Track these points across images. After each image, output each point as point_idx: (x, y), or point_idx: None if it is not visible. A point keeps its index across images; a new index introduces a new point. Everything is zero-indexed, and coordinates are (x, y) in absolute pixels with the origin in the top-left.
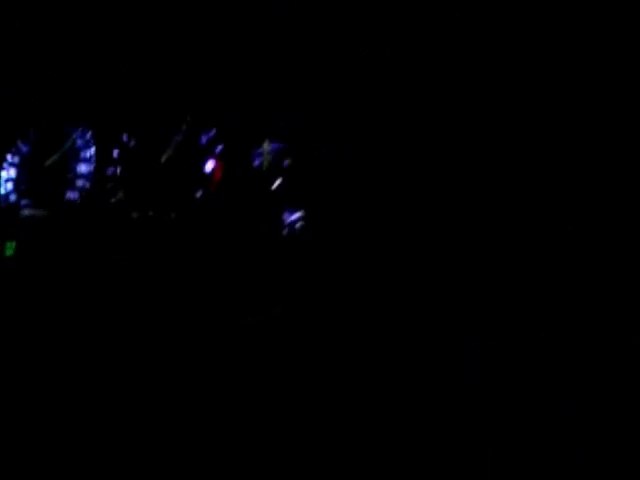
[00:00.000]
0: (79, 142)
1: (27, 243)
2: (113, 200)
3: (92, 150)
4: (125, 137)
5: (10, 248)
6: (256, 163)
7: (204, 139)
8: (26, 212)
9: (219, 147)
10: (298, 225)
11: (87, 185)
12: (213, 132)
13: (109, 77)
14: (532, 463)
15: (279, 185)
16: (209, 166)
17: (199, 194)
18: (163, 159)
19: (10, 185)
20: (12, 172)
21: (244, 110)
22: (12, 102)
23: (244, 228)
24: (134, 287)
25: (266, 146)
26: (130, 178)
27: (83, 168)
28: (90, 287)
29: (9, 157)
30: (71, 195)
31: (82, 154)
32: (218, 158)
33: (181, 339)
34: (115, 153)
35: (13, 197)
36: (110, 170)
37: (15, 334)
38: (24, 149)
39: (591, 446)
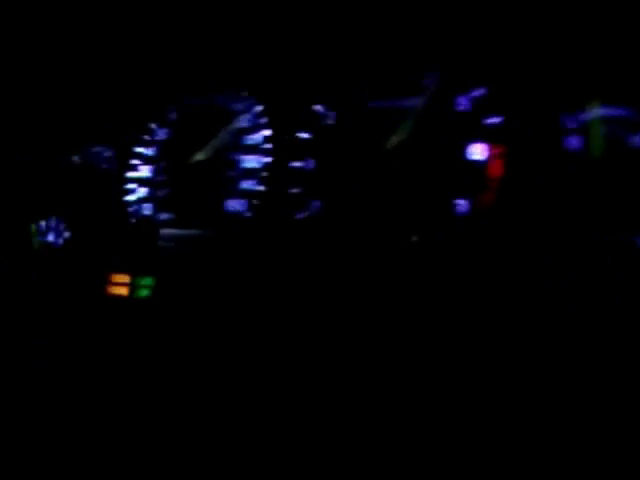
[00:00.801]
0: (244, 120)
1: (170, 280)
2: (303, 214)
3: (263, 133)
4: (318, 108)
5: (146, 287)
6: (572, 144)
7: (464, 103)
8: (168, 232)
9: (494, 119)
10: None
11: (260, 189)
12: (481, 91)
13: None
14: None
15: (626, 184)
16: (478, 153)
17: (462, 205)
18: (389, 144)
19: (143, 190)
20: (145, 170)
21: (537, 48)
22: (142, 61)
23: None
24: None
25: (594, 112)
26: (331, 177)
27: (252, 162)
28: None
29: (140, 148)
30: (235, 205)
31: (248, 140)
32: (494, 140)
33: None
34: (303, 136)
35: (148, 208)
36: (296, 164)
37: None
38: (161, 134)
39: None
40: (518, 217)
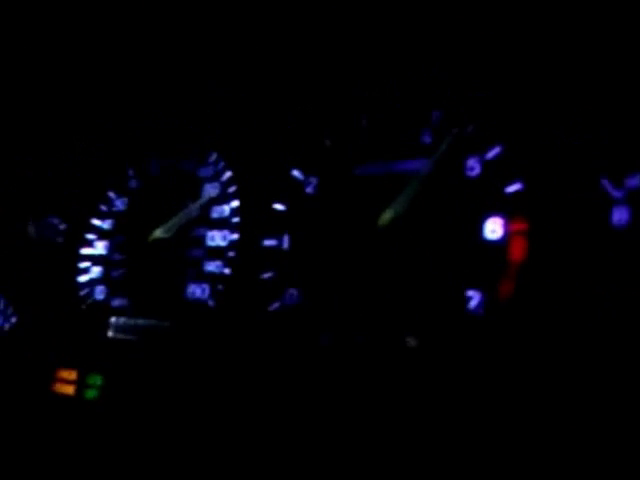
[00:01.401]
0: (211, 191)
1: (122, 379)
2: (276, 305)
3: (231, 205)
4: (296, 174)
5: (94, 386)
6: (617, 219)
7: (475, 167)
8: (122, 321)
9: (513, 186)
10: None
11: (225, 272)
12: (496, 151)
13: None
14: None
15: None
16: (493, 231)
17: (474, 299)
18: (382, 221)
19: (97, 270)
20: (100, 246)
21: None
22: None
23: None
24: None
25: None
26: (310, 259)
27: (217, 239)
28: None
29: (96, 220)
30: (197, 291)
31: (214, 212)
32: (513, 213)
33: None
34: (278, 207)
35: (101, 292)
36: (269, 242)
37: None
38: (119, 204)
39: None
40: (545, 314)
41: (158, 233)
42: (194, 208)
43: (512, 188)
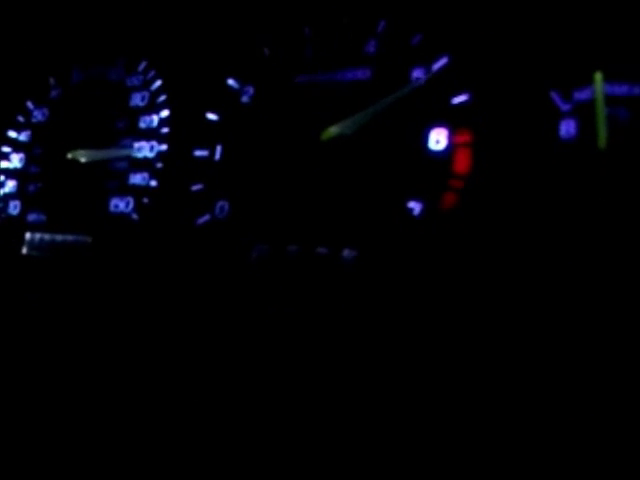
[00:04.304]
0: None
1: (37, 298)
2: (204, 219)
3: (160, 115)
4: (231, 82)
5: None
6: (565, 131)
7: (420, 77)
8: (38, 239)
9: (458, 97)
10: None
11: (152, 185)
12: (443, 62)
13: None
14: None
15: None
16: (437, 142)
17: (415, 209)
18: (325, 135)
19: (11, 184)
20: (16, 159)
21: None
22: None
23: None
24: None
25: (596, 89)
26: (242, 171)
27: (144, 150)
28: None
29: (11, 131)
30: (120, 205)
31: (142, 122)
32: (458, 125)
33: None
34: (210, 117)
35: (16, 207)
36: (200, 153)
37: None
38: (38, 116)
39: None
40: (488, 226)
41: (79, 155)
42: (129, 151)
43: (458, 99)
